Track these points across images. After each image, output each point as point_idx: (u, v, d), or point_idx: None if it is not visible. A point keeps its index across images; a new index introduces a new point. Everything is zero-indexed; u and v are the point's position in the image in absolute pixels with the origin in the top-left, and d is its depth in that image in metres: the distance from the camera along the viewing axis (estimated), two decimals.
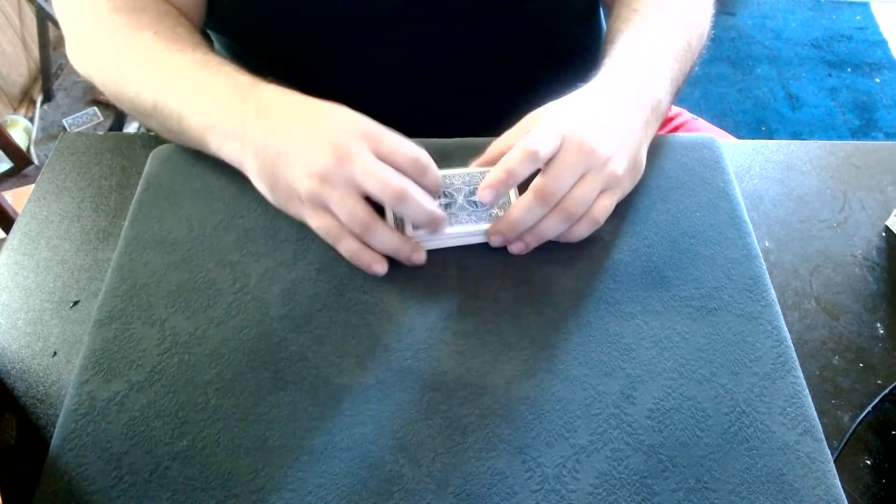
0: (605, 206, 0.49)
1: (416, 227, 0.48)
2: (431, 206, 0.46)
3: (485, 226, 0.49)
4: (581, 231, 0.49)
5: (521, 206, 0.47)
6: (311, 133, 0.46)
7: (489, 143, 0.53)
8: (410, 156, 0.46)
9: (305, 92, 0.49)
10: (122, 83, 0.55)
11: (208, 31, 0.69)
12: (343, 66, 0.66)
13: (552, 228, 0.48)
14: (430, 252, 0.49)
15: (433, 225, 0.46)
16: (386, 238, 0.46)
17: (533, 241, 0.48)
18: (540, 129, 0.47)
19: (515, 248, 0.49)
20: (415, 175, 0.46)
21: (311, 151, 0.45)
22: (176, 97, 0.51)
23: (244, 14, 0.62)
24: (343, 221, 0.45)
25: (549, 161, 0.47)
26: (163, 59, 0.52)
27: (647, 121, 0.52)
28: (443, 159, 0.54)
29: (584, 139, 0.47)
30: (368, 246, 0.47)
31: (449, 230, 0.48)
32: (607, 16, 0.66)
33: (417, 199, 0.45)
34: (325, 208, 0.46)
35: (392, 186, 0.44)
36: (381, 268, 0.47)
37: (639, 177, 0.52)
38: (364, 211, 0.45)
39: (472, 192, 0.50)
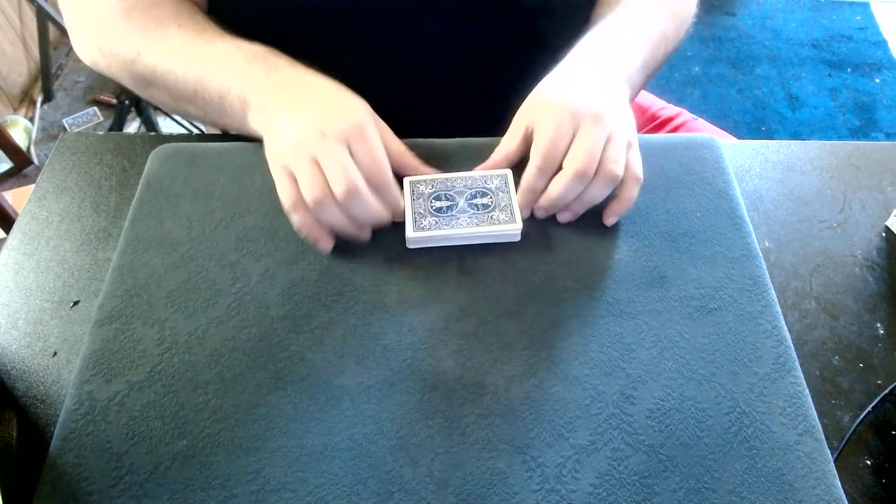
0: (638, 159, 0.50)
1: (419, 227, 0.48)
2: (377, 211, 0.47)
3: (485, 227, 0.49)
4: (631, 193, 0.49)
5: (560, 185, 0.48)
6: (311, 113, 0.48)
7: (489, 143, 0.53)
8: (375, 168, 0.47)
9: None
10: (154, 76, 0.56)
11: None
12: (341, 66, 0.65)
13: (598, 194, 0.49)
14: (430, 252, 0.49)
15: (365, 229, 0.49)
16: (333, 213, 0.47)
17: (581, 209, 0.50)
18: (543, 136, 0.48)
19: (563, 218, 0.51)
20: (372, 184, 0.47)
21: (301, 125, 0.47)
22: (216, 81, 0.53)
23: (245, 14, 0.62)
24: (301, 190, 0.46)
25: (574, 139, 0.48)
26: (196, 47, 0.54)
27: (622, 87, 0.53)
28: (444, 159, 0.54)
29: (590, 110, 0.48)
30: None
31: (450, 232, 0.49)
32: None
33: (366, 200, 0.46)
34: (292, 176, 0.47)
35: (345, 180, 0.45)
36: (325, 245, 0.48)
37: (634, 125, 0.53)
38: (320, 187, 0.46)
39: (474, 196, 0.50)
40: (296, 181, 0.47)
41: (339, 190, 0.45)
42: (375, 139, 0.48)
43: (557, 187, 0.48)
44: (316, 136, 0.46)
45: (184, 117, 0.60)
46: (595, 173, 0.47)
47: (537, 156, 0.48)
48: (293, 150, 0.46)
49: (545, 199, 0.49)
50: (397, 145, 0.52)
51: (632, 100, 0.55)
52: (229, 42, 0.53)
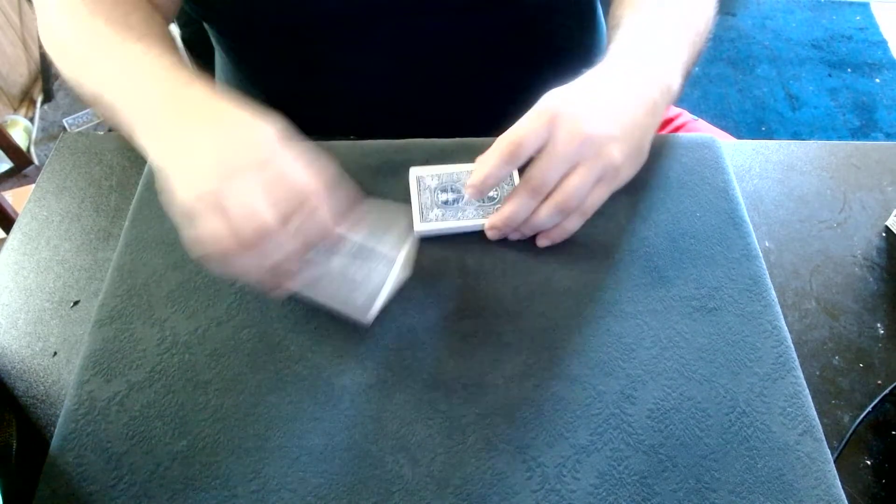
0: (599, 197, 0.48)
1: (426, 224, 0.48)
2: (291, 248, 0.40)
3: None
4: (571, 225, 0.49)
5: (514, 201, 0.47)
6: (210, 147, 0.41)
7: (489, 143, 0.53)
8: (291, 196, 0.40)
9: (301, 89, 0.49)
10: (75, 71, 0.52)
11: (205, 26, 0.69)
12: (337, 62, 0.66)
13: (545, 221, 0.48)
14: (431, 252, 0.49)
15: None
16: (246, 264, 0.40)
17: (529, 232, 0.49)
18: (524, 120, 0.47)
19: (513, 237, 0.50)
20: (296, 214, 0.40)
21: (200, 167, 0.41)
22: (111, 90, 0.48)
23: (237, 10, 0.62)
24: (204, 241, 0.40)
25: (542, 149, 0.46)
26: (107, 49, 0.49)
27: (656, 104, 0.50)
28: (444, 160, 0.54)
29: (577, 125, 0.46)
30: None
31: (456, 224, 0.50)
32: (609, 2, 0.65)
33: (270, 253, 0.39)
34: (194, 225, 0.40)
35: (252, 223, 0.38)
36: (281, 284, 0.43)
37: (641, 164, 0.50)
38: (226, 238, 0.39)
39: None
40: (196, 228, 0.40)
41: (245, 235, 0.38)
42: (287, 165, 0.40)
43: (510, 202, 0.47)
44: (217, 175, 0.39)
45: None
46: (547, 197, 0.46)
47: (529, 179, 0.47)
48: (195, 199, 0.39)
49: (498, 219, 0.48)
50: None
51: (670, 105, 0.52)
52: (139, 51, 0.48)
